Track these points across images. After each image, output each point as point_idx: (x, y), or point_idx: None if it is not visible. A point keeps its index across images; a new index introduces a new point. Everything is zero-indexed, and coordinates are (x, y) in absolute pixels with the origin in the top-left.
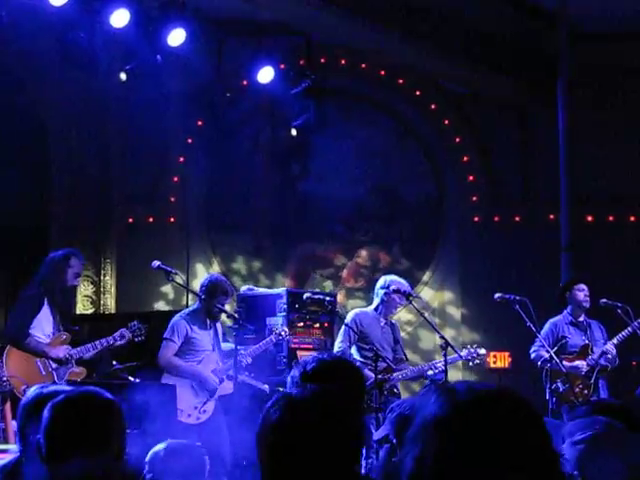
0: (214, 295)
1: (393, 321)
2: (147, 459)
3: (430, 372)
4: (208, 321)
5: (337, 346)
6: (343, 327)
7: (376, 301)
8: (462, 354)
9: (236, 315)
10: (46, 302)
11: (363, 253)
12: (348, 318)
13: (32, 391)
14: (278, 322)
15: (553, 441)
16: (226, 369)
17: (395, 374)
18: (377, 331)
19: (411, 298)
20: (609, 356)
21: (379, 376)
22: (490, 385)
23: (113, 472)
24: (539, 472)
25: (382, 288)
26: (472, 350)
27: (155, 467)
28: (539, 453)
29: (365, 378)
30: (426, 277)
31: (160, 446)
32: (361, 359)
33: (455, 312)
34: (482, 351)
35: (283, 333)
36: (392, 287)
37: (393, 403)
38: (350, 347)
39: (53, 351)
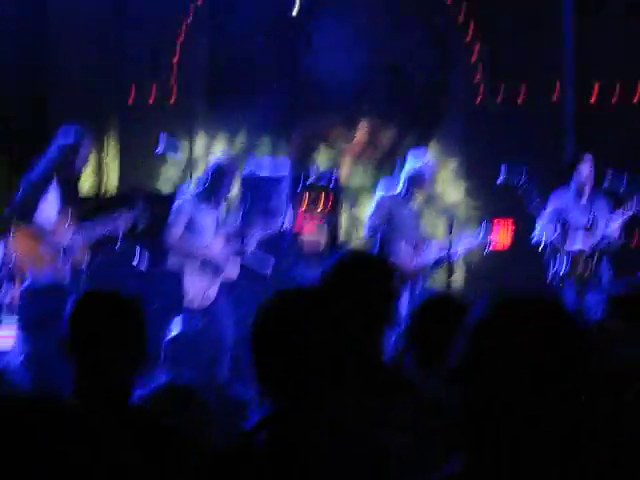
0: (219, 177)
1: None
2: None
3: (460, 249)
4: (213, 203)
5: (368, 227)
6: (373, 207)
7: (400, 185)
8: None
9: (239, 198)
10: (53, 184)
11: (366, 130)
12: (376, 198)
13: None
14: (282, 205)
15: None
16: (230, 253)
17: (420, 257)
18: (404, 213)
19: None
20: (612, 233)
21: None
22: (540, 296)
23: (136, 366)
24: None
25: (404, 169)
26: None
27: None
28: (569, 361)
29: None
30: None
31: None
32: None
33: (458, 188)
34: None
35: (288, 220)
36: (416, 172)
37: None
38: (379, 226)
39: (57, 236)
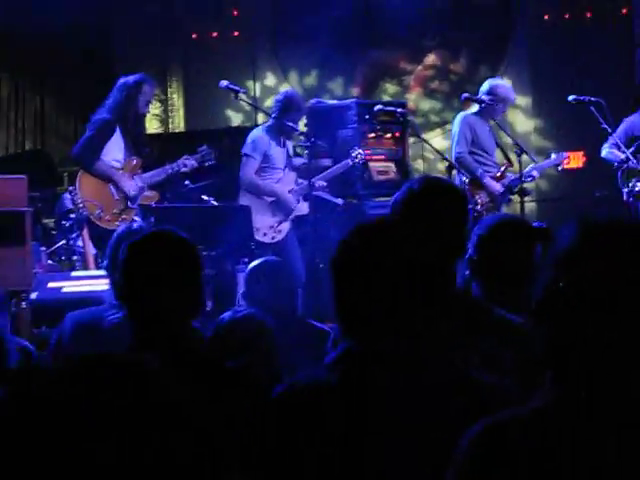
0: (288, 111)
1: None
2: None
3: (529, 179)
4: (282, 138)
5: (456, 152)
6: (458, 132)
7: (478, 106)
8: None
9: (306, 131)
10: (118, 128)
11: (431, 58)
12: (457, 122)
13: (121, 228)
14: (355, 147)
15: None
16: (302, 189)
17: (505, 179)
18: (486, 135)
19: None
20: None
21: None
22: (630, 220)
23: (194, 309)
24: None
25: (487, 94)
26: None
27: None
28: None
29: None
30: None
31: (254, 263)
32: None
33: (527, 115)
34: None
35: (359, 156)
36: (496, 94)
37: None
38: (467, 152)
39: (123, 181)
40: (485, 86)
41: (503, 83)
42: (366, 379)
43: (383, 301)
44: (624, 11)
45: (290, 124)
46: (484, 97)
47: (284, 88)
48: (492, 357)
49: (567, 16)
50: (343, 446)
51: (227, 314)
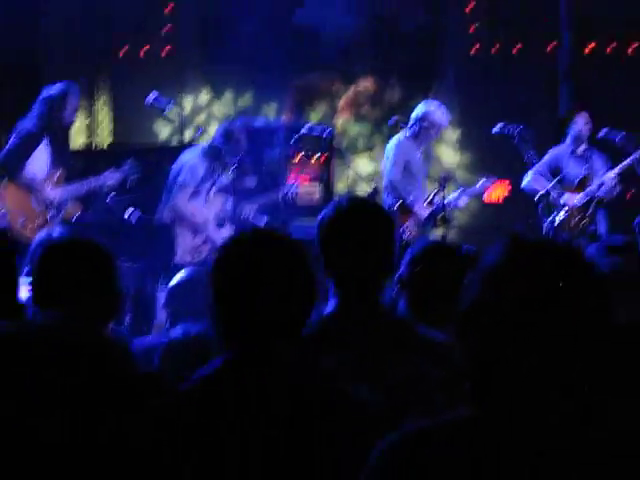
0: (227, 142)
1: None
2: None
3: (461, 202)
4: (215, 164)
5: (388, 178)
6: (391, 157)
7: (412, 130)
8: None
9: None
10: (44, 139)
11: (360, 83)
12: (392, 146)
13: (41, 235)
14: (275, 160)
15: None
16: (227, 214)
17: (435, 206)
18: (418, 161)
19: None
20: (609, 186)
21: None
22: (558, 241)
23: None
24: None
25: (420, 119)
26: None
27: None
28: (584, 306)
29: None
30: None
31: (178, 276)
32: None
33: (454, 146)
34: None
35: (293, 190)
36: (429, 119)
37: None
38: (400, 178)
39: (47, 190)
40: (419, 110)
41: (436, 107)
42: (222, 393)
43: (254, 318)
44: (550, 47)
45: (227, 154)
46: (418, 122)
47: (212, 106)
48: (418, 375)
49: (494, 49)
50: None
51: (178, 331)
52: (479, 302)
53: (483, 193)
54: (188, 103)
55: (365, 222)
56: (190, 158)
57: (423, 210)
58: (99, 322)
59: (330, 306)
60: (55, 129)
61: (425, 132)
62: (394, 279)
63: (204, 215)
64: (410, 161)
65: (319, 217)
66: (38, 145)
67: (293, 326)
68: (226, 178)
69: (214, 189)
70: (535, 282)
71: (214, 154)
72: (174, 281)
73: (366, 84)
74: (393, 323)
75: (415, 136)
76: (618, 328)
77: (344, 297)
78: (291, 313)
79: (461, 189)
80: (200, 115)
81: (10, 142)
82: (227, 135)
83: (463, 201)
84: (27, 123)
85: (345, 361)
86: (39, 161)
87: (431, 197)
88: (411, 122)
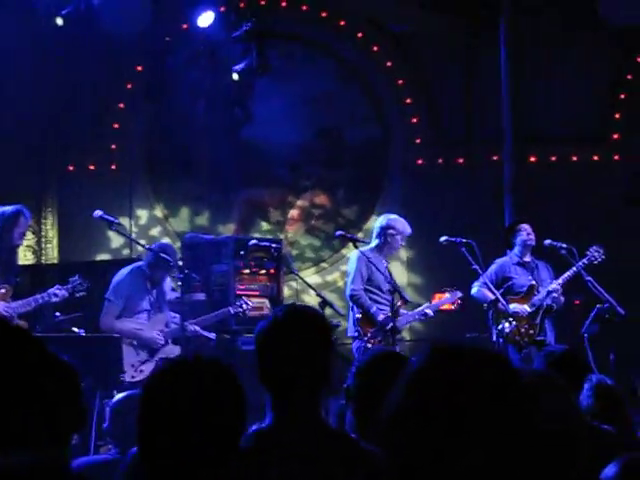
0: (158, 263)
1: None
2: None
3: (422, 318)
4: (148, 283)
5: (351, 289)
6: (353, 268)
7: (376, 241)
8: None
9: (181, 264)
10: None
11: (307, 199)
12: (354, 259)
13: None
14: (224, 274)
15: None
16: (172, 332)
17: (401, 317)
18: (382, 272)
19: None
20: (554, 295)
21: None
22: (483, 347)
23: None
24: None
25: (385, 228)
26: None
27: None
28: (508, 416)
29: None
30: (370, 221)
31: (115, 398)
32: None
33: (400, 255)
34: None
35: (244, 306)
36: (395, 228)
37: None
38: (362, 289)
39: None
40: (381, 221)
41: (397, 217)
42: None
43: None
44: (495, 158)
45: (164, 256)
46: (383, 231)
47: (160, 222)
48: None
49: (440, 161)
50: None
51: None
52: (401, 407)
53: (453, 303)
54: (141, 217)
55: (300, 332)
56: (119, 274)
57: (388, 320)
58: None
59: (267, 419)
60: (4, 249)
61: (392, 240)
62: (342, 390)
63: (144, 332)
64: (374, 272)
65: (256, 328)
66: None
67: (218, 455)
68: (173, 294)
69: (154, 311)
70: (455, 386)
71: (141, 272)
72: (114, 399)
73: (314, 198)
74: (331, 436)
75: (379, 247)
76: (543, 433)
77: (280, 410)
78: (216, 442)
79: (428, 304)
80: (149, 231)
81: None
82: (153, 256)
83: (431, 312)
84: None
85: (285, 476)
86: None
87: (397, 307)
88: (375, 233)
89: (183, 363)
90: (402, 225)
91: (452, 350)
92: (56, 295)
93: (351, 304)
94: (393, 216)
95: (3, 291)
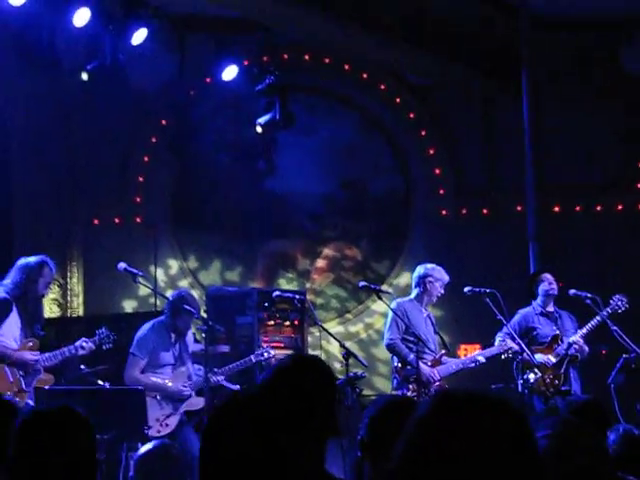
0: (179, 311)
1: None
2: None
3: (472, 365)
4: (173, 336)
5: (387, 339)
6: (390, 318)
7: (415, 291)
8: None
9: (205, 316)
10: (15, 308)
11: (332, 249)
12: (393, 307)
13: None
14: (248, 326)
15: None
16: (196, 383)
17: (441, 367)
18: (421, 322)
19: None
20: (576, 347)
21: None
22: (490, 395)
23: None
24: None
25: (423, 277)
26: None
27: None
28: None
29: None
30: (394, 272)
31: (142, 450)
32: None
33: None
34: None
35: (266, 354)
36: (433, 276)
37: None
38: (400, 339)
39: (20, 355)
40: (419, 270)
41: (434, 265)
42: None
43: None
44: (519, 208)
45: (188, 307)
46: (421, 280)
47: (184, 274)
48: None
49: (464, 211)
50: None
51: None
52: (403, 457)
53: (501, 354)
54: (160, 272)
55: (304, 380)
56: (142, 329)
57: (428, 369)
58: None
59: None
60: (30, 299)
61: (431, 288)
62: (356, 443)
63: (170, 386)
64: (412, 322)
65: (261, 376)
66: (9, 314)
67: None
68: (197, 346)
69: (178, 364)
70: (461, 435)
71: (163, 325)
72: (139, 452)
73: (337, 251)
74: None
75: (419, 297)
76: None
77: None
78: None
79: (480, 351)
80: (172, 283)
81: None
82: (176, 304)
83: (483, 358)
84: (0, 291)
85: None
86: (12, 329)
87: (439, 356)
88: (414, 283)
89: (236, 402)
90: (440, 273)
91: (456, 397)
92: (83, 348)
93: (391, 355)
94: (430, 265)
95: (31, 344)
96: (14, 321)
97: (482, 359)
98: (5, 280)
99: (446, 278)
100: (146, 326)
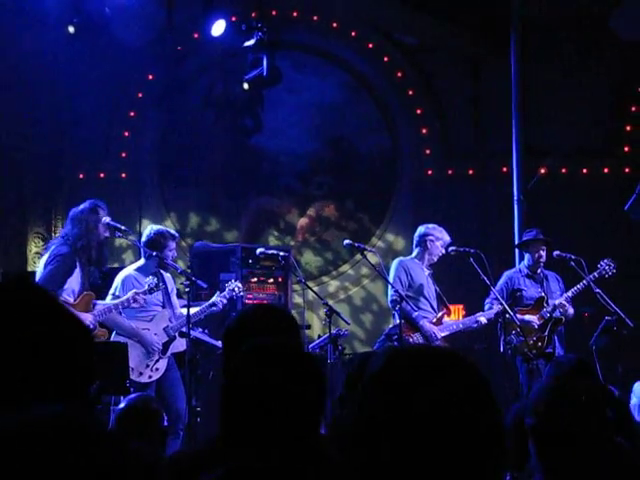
0: (162, 246)
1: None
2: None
3: (474, 325)
4: (156, 278)
5: (390, 296)
6: (393, 275)
7: (416, 250)
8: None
9: (189, 271)
10: (78, 261)
11: (317, 207)
12: (392, 267)
13: None
14: (232, 279)
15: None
16: (179, 326)
17: (443, 326)
18: (423, 280)
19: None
20: (561, 309)
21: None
22: (446, 350)
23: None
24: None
25: (423, 236)
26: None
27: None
28: (471, 426)
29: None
30: (380, 231)
31: (122, 404)
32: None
33: None
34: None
35: (236, 289)
36: (433, 235)
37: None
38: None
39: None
40: (420, 230)
41: (435, 225)
42: None
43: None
44: (504, 169)
45: (170, 263)
46: (422, 239)
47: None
48: None
49: (450, 172)
50: None
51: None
52: (359, 414)
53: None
54: (145, 227)
55: (268, 325)
56: (124, 270)
57: (430, 327)
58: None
59: None
60: (94, 247)
61: (431, 247)
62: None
63: (146, 335)
64: (414, 279)
65: (226, 324)
66: (74, 269)
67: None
68: (180, 302)
69: (163, 305)
70: (411, 390)
71: (146, 267)
72: (119, 407)
73: (322, 208)
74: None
75: (420, 256)
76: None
77: None
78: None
79: (482, 312)
80: None
81: (46, 267)
82: (155, 239)
83: (485, 320)
84: (61, 246)
85: None
86: (72, 283)
87: (440, 315)
88: (415, 242)
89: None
90: (441, 232)
91: (407, 353)
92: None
93: (393, 310)
94: (432, 225)
95: (89, 297)
96: (75, 274)
97: (484, 320)
98: (64, 233)
99: (447, 238)
100: (127, 269)
